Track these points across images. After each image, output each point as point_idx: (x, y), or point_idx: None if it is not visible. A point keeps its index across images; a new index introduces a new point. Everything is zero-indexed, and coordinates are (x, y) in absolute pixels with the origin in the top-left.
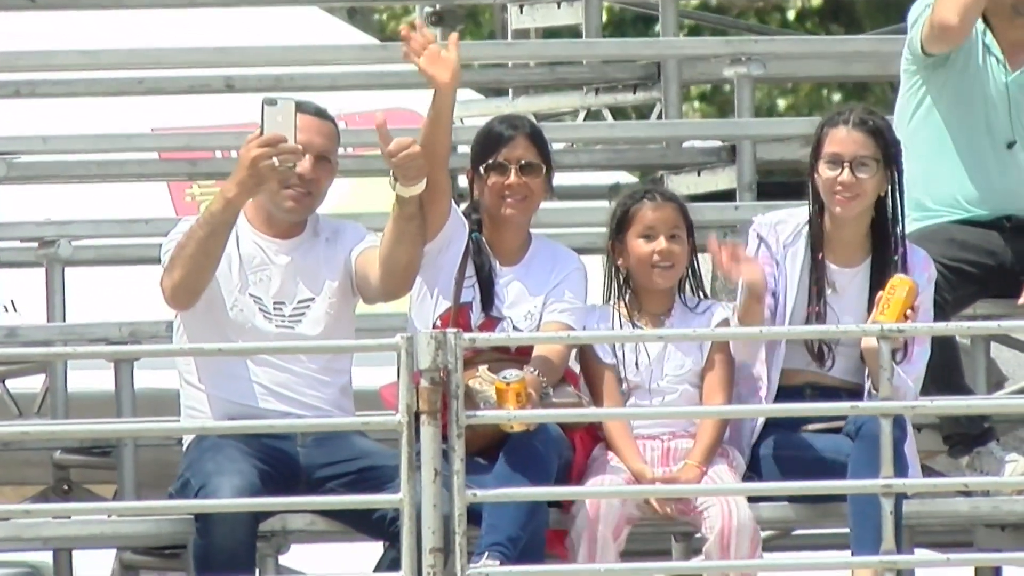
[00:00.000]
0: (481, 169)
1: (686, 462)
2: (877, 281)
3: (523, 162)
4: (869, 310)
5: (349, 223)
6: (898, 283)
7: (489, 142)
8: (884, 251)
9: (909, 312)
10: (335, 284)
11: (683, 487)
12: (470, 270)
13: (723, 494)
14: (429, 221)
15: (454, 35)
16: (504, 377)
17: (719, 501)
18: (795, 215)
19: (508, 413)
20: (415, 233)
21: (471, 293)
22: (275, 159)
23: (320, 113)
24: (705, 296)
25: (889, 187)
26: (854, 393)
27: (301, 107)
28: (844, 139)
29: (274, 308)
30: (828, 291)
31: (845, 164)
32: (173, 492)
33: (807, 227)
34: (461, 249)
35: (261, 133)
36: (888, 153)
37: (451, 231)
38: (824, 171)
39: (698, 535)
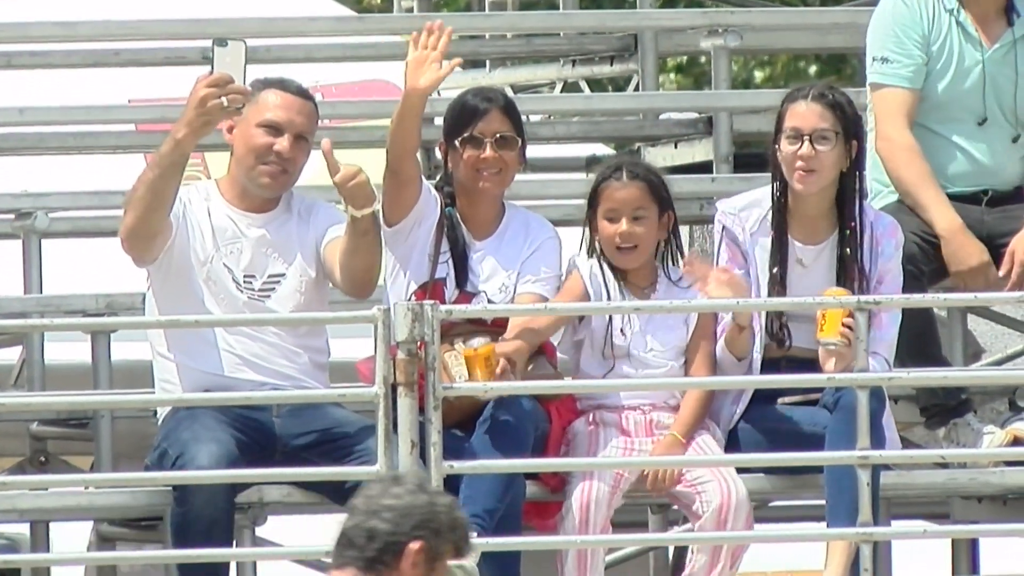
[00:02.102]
0: (456, 143)
1: (672, 433)
2: (843, 255)
3: (498, 135)
4: (837, 283)
5: (323, 203)
6: (832, 293)
7: (464, 115)
8: (848, 224)
9: (848, 320)
10: (307, 263)
11: (667, 459)
12: (444, 245)
13: (704, 465)
14: (398, 205)
15: (457, 60)
16: (471, 345)
17: (716, 477)
18: (760, 199)
19: (484, 385)
20: (371, 244)
21: (445, 269)
22: (223, 99)
23: (302, 92)
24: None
25: (850, 161)
26: None
27: (284, 85)
28: (804, 113)
29: (244, 280)
30: (796, 268)
31: (805, 137)
32: (150, 463)
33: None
34: (433, 225)
35: (211, 74)
36: (847, 127)
37: (422, 210)
38: (785, 146)
39: (675, 507)
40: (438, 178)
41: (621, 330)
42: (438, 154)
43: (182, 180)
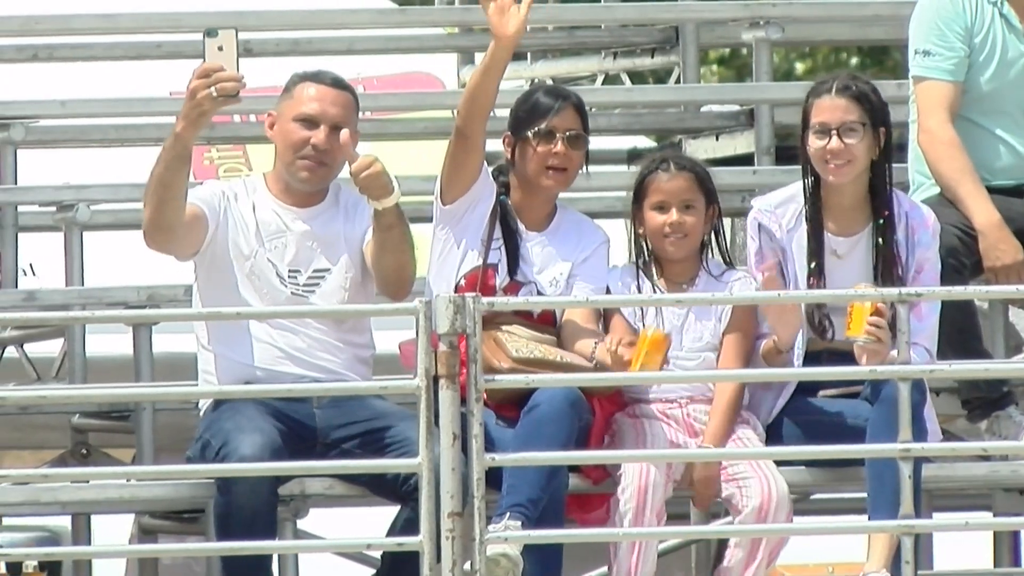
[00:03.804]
0: (529, 134)
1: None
2: (880, 244)
3: (570, 133)
4: (875, 274)
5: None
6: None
7: (538, 110)
8: (882, 213)
9: (874, 321)
10: (351, 260)
11: (710, 451)
12: (497, 232)
13: (745, 458)
14: (458, 179)
15: None
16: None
17: (756, 473)
18: (794, 195)
19: (526, 377)
20: (398, 241)
21: (497, 255)
22: (213, 89)
23: (337, 83)
24: (730, 264)
25: (880, 149)
26: None
27: (318, 77)
28: (829, 107)
29: (289, 275)
30: (832, 259)
31: (833, 132)
32: (192, 455)
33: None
34: (488, 209)
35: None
36: (875, 116)
37: (480, 190)
38: (813, 141)
39: (717, 499)
40: (493, 168)
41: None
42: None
43: (190, 173)
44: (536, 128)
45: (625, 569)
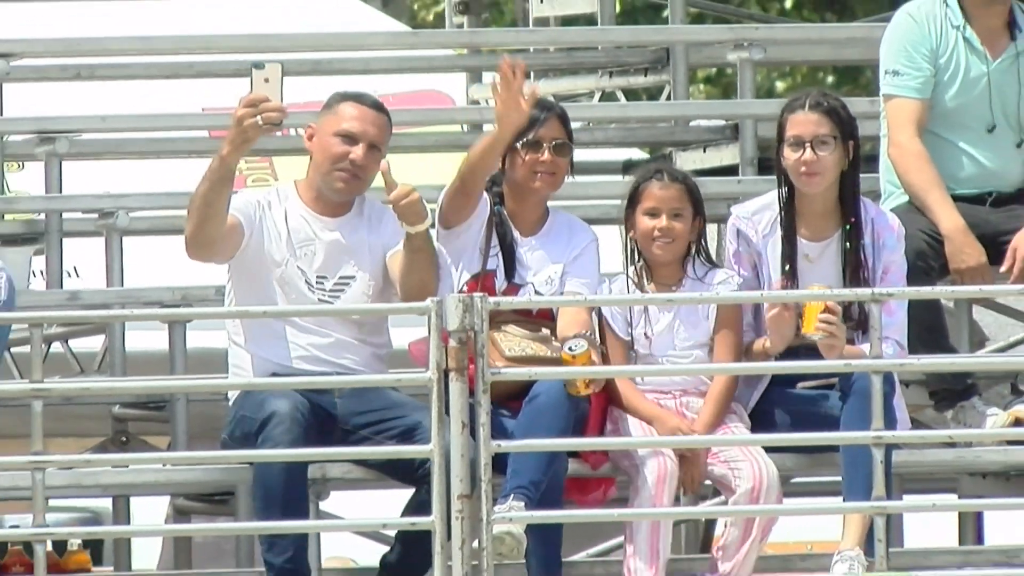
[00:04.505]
0: (517, 146)
1: (697, 425)
2: (847, 248)
3: (556, 142)
4: (843, 275)
5: (391, 213)
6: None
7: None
8: (849, 220)
9: (824, 318)
10: (374, 268)
11: (701, 438)
12: (493, 240)
13: (733, 444)
14: (460, 214)
15: (536, 87)
16: (570, 349)
17: (748, 458)
18: (770, 203)
19: (529, 371)
20: (425, 261)
21: (495, 261)
22: (259, 118)
23: (376, 106)
24: (714, 264)
25: (849, 161)
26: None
27: (360, 99)
28: (803, 121)
29: (316, 281)
30: (804, 262)
31: (806, 144)
32: (227, 437)
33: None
34: (483, 224)
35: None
36: (844, 130)
37: (477, 214)
38: (788, 153)
39: (708, 482)
40: (488, 179)
41: (645, 335)
42: None
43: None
44: (524, 139)
45: (647, 546)
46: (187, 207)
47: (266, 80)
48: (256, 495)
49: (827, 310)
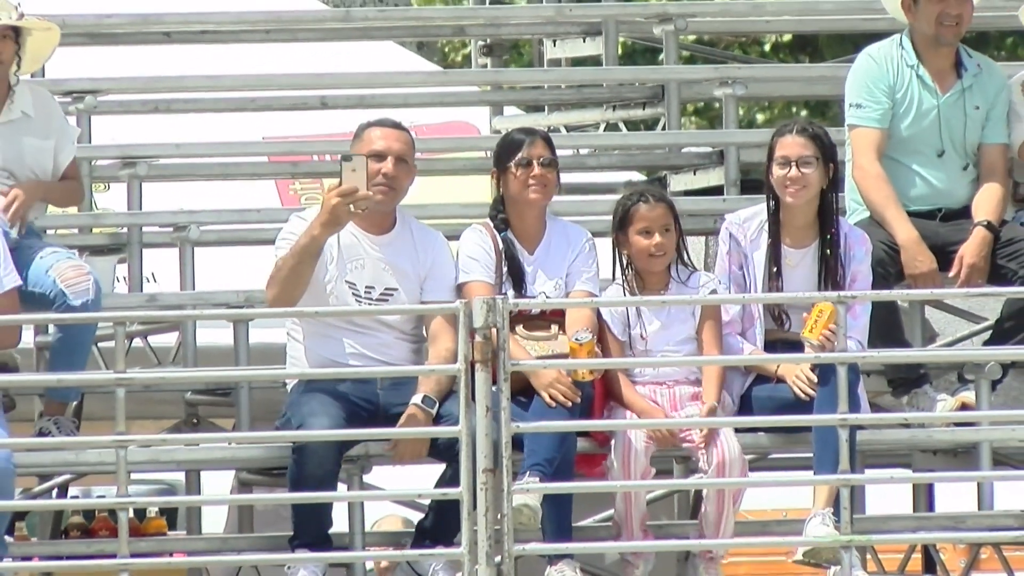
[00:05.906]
0: (510, 165)
1: (710, 404)
2: (823, 255)
3: (543, 159)
4: (819, 280)
5: (443, 246)
6: (824, 307)
7: (514, 145)
8: (827, 232)
9: (828, 332)
10: (415, 286)
11: (689, 420)
12: (504, 263)
13: (718, 426)
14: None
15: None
16: (576, 338)
17: (713, 441)
18: (757, 212)
19: (542, 362)
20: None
21: (507, 285)
22: (351, 206)
23: (397, 125)
24: (695, 268)
25: (828, 181)
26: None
27: (381, 122)
28: (790, 143)
29: (364, 291)
30: (784, 267)
31: (793, 163)
32: (279, 425)
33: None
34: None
35: (340, 183)
36: (825, 153)
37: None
38: (776, 171)
39: (693, 459)
40: (491, 207)
41: (641, 335)
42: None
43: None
44: (516, 159)
45: (622, 513)
46: (272, 272)
47: (353, 170)
48: (291, 485)
49: (832, 321)
